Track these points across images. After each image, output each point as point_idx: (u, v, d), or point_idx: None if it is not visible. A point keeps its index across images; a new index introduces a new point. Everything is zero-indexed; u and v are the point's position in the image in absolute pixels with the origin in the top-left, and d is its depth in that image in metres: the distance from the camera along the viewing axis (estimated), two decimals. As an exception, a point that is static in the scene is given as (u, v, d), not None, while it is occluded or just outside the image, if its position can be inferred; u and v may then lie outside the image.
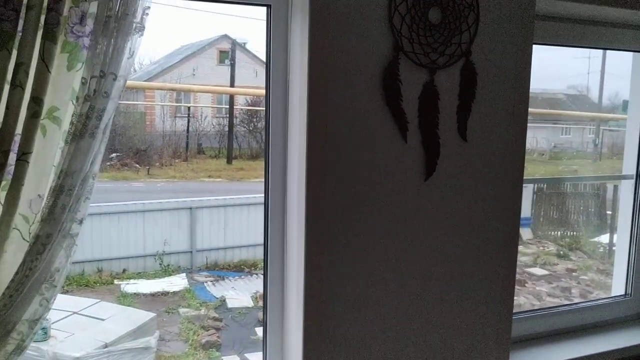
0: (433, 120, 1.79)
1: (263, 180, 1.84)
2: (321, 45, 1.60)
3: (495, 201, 1.94)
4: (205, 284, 6.35)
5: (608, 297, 2.58)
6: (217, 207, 6.79)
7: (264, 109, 1.81)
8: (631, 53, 2.50)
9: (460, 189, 1.87)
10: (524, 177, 1.99)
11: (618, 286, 2.61)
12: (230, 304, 5.94)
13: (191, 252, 6.71)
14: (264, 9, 1.72)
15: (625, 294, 2.57)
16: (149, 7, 1.32)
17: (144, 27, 1.32)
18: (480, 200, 1.91)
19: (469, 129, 1.85)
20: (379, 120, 1.72)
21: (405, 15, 1.70)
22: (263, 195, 1.83)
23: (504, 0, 1.85)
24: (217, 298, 6.09)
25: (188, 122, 10.26)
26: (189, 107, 10.60)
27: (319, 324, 1.71)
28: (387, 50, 1.70)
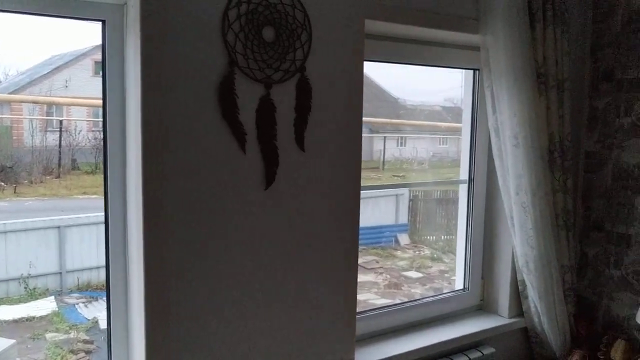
0: (271, 132, 1.89)
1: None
2: (154, 60, 1.65)
3: (334, 207, 2.07)
4: (76, 305, 6.05)
5: (449, 292, 2.82)
6: (88, 224, 6.50)
7: (102, 122, 1.81)
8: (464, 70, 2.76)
9: (301, 197, 1.99)
10: (376, 184, 2.14)
11: (459, 281, 2.85)
12: (102, 324, 5.71)
13: (60, 273, 6.37)
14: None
15: (464, 288, 2.82)
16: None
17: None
18: (320, 206, 2.04)
19: (307, 140, 1.97)
20: (217, 133, 1.79)
21: (239, 33, 1.79)
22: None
23: (334, 21, 1.99)
24: (88, 320, 5.83)
25: (60, 136, 9.74)
26: (61, 121, 10.07)
27: (163, 335, 1.74)
28: (223, 66, 1.78)
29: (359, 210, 2.15)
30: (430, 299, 2.71)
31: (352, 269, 2.16)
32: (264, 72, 1.85)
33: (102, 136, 1.82)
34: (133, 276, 1.80)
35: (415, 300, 2.68)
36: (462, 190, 2.82)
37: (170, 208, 1.72)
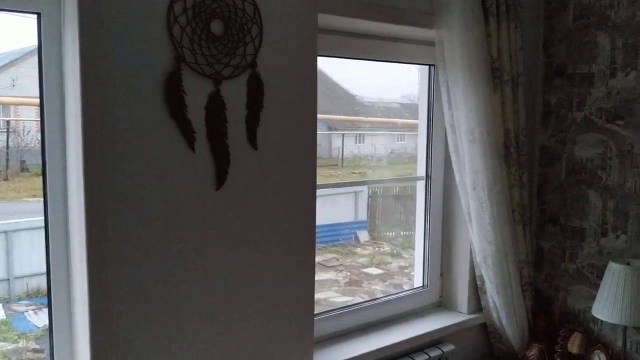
0: (221, 130, 1.82)
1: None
2: (94, 55, 1.55)
3: (290, 206, 2.01)
4: (25, 313, 5.82)
5: (409, 290, 2.80)
6: (38, 228, 6.27)
7: (39, 122, 1.71)
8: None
9: (254, 196, 1.92)
10: (329, 182, 2.09)
11: (418, 278, 2.83)
12: (55, 332, 5.50)
13: (8, 279, 6.13)
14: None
15: (423, 285, 2.80)
16: None
17: None
18: (275, 205, 1.97)
19: (259, 138, 1.90)
20: (164, 131, 1.71)
21: (185, 27, 1.71)
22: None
23: (286, 15, 1.93)
24: (38, 328, 5.62)
25: (7, 137, 9.36)
26: (8, 121, 9.69)
27: (109, 342, 1.65)
28: (169, 61, 1.69)
29: (315, 209, 2.09)
30: (390, 297, 2.68)
31: (309, 268, 2.10)
32: (213, 67, 1.78)
33: (39, 137, 1.71)
34: (76, 283, 1.70)
35: (375, 299, 2.65)
36: (420, 187, 2.80)
37: (114, 211, 1.63)
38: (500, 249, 2.49)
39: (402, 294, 2.73)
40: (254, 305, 1.95)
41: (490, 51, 2.43)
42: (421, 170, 2.78)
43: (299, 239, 2.05)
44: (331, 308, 2.47)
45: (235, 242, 1.89)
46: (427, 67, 2.71)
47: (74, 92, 1.58)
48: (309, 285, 2.11)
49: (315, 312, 2.16)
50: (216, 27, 1.78)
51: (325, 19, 2.11)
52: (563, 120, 2.73)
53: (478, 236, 2.52)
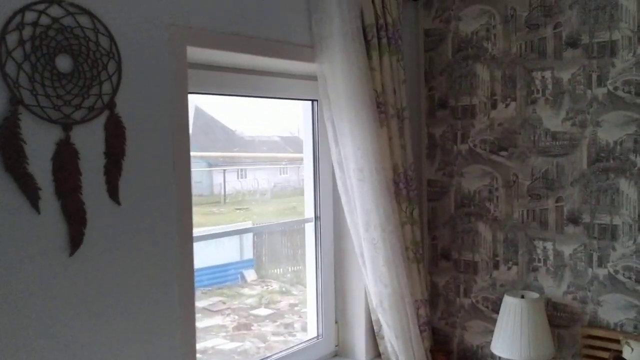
0: (74, 184, 1.52)
1: None
2: None
3: (162, 263, 1.74)
4: None
5: (304, 341, 2.59)
6: None
7: None
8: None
9: (118, 257, 1.63)
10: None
11: (312, 328, 2.63)
12: None
13: None
14: None
15: (318, 335, 2.61)
16: None
17: None
18: (144, 265, 1.69)
19: (123, 190, 1.63)
20: (-1, 189, 1.38)
21: (22, 63, 1.41)
22: None
23: (151, 48, 1.69)
24: None
25: None
26: None
27: None
28: (2, 105, 1.39)
29: (192, 263, 1.84)
30: (283, 353, 2.46)
31: (189, 323, 1.83)
32: (61, 110, 1.49)
33: None
34: None
35: (267, 357, 2.41)
36: (309, 230, 2.62)
37: None
38: (396, 290, 2.36)
39: (295, 348, 2.52)
40: (125, 389, 1.64)
41: (375, 85, 2.33)
42: (309, 211, 2.61)
43: (174, 296, 1.77)
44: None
45: (96, 312, 1.58)
46: (310, 102, 2.56)
47: None
48: (190, 341, 1.84)
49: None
50: (63, 63, 1.49)
51: (198, 53, 1.89)
52: (449, 152, 2.69)
53: (373, 279, 2.37)
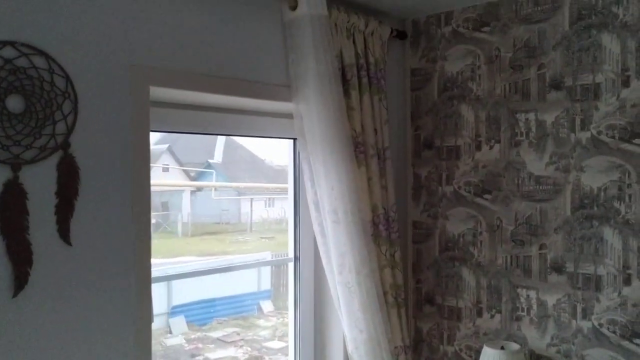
0: (20, 224, 1.52)
1: None
2: None
3: (116, 306, 1.71)
4: None
5: (280, 385, 2.52)
6: None
7: None
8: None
9: (68, 299, 1.61)
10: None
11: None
12: None
13: None
14: None
15: (295, 379, 2.54)
16: None
17: None
18: (96, 308, 1.67)
19: (75, 230, 1.62)
20: (-61, 229, 1.38)
21: (-30, 103, 1.43)
22: None
23: (110, 88, 1.69)
24: None
25: None
26: None
27: None
28: (-54, 144, 1.40)
29: (151, 304, 1.81)
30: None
31: (145, 380, 1.79)
32: (10, 150, 1.50)
33: None
34: None
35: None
36: (290, 270, 2.57)
37: None
38: (372, 336, 2.28)
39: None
40: None
41: (354, 125, 2.30)
42: (290, 251, 2.57)
43: (130, 341, 1.74)
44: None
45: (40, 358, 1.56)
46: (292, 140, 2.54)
47: None
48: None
49: None
50: (14, 103, 1.51)
51: (169, 92, 1.90)
52: (434, 194, 2.63)
53: (348, 324, 2.30)
